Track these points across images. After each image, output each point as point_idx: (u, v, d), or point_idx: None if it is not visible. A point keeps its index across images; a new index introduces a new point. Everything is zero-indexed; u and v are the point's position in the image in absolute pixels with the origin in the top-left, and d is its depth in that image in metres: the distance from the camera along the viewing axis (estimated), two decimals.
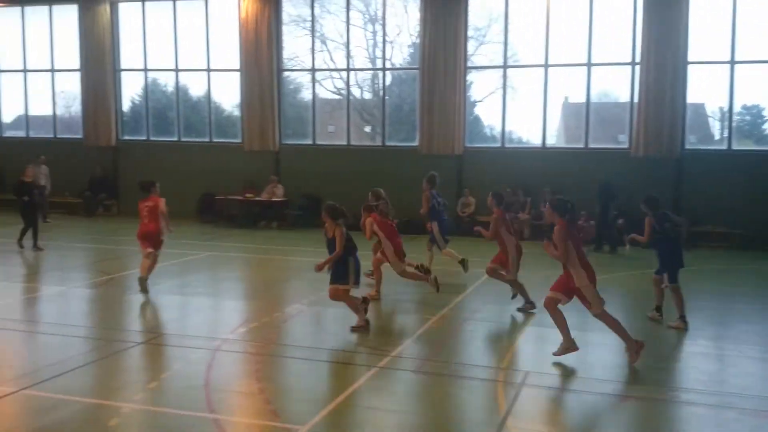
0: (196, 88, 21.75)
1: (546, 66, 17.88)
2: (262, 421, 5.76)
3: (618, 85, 18.44)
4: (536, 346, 8.42)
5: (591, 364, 7.53)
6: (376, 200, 11.12)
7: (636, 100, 17.10)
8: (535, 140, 18.73)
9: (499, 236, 9.90)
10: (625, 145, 17.61)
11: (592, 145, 17.82)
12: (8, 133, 23.02)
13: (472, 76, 19.08)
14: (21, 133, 22.83)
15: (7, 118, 23.42)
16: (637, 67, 16.99)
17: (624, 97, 18.03)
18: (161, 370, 7.09)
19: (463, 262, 11.80)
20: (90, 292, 11.04)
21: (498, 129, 18.97)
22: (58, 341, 8.05)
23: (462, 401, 6.49)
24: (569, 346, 7.39)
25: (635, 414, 6.32)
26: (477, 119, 20.34)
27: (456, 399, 6.56)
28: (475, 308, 10.10)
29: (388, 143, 19.46)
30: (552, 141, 18.89)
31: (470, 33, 18.65)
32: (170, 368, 7.12)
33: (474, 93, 19.60)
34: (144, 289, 10.37)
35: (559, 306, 7.46)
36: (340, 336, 8.61)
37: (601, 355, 7.90)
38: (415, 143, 18.89)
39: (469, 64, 18.66)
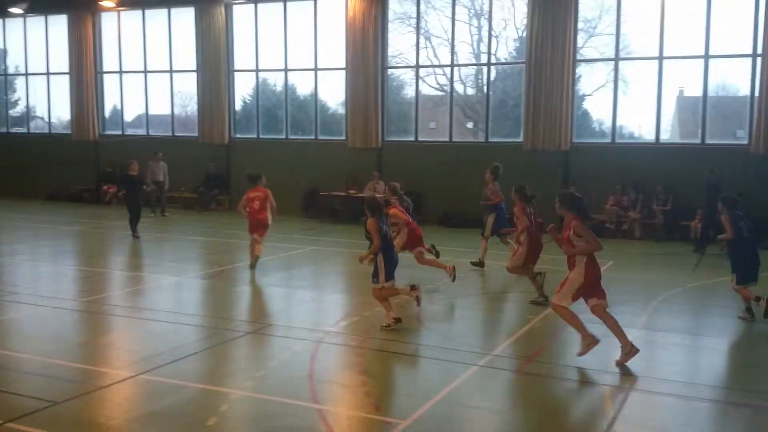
0: (302, 87, 22.30)
1: (660, 58, 17.11)
2: (364, 414, 5.84)
3: (737, 78, 17.41)
4: (645, 350, 8.07)
5: (702, 370, 7.17)
6: (392, 195, 11.79)
7: (756, 93, 16.10)
8: (648, 136, 17.98)
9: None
10: (744, 141, 16.62)
11: (708, 141, 16.92)
12: (129, 131, 24.42)
13: (580, 70, 18.53)
14: (141, 131, 24.18)
15: (129, 117, 24.87)
16: (758, 59, 15.98)
17: (743, 90, 17.01)
18: (268, 359, 7.33)
19: (477, 264, 12.35)
20: (203, 282, 11.56)
21: (607, 124, 18.35)
22: (172, 329, 8.48)
23: (566, 404, 6.33)
24: (629, 350, 7.03)
25: (749, 423, 5.95)
26: (585, 114, 19.75)
27: (560, 401, 6.41)
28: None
29: (491, 139, 19.23)
30: (666, 136, 18.07)
31: (580, 25, 18.13)
32: (276, 358, 7.34)
33: (582, 87, 19.03)
34: (253, 266, 11.80)
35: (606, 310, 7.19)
36: (441, 332, 8.60)
37: (715, 360, 7.50)
38: (519, 139, 18.57)
39: (578, 57, 18.15)
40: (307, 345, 7.73)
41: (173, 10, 22.60)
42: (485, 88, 19.77)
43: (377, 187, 19.67)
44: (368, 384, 6.53)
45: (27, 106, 26.28)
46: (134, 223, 15.70)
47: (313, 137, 21.40)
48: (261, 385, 6.37)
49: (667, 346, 8.06)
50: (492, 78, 19.96)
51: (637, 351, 7.02)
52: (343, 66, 20.28)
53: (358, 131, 20.05)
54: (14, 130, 26.29)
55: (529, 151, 18.15)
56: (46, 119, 26.04)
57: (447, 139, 19.61)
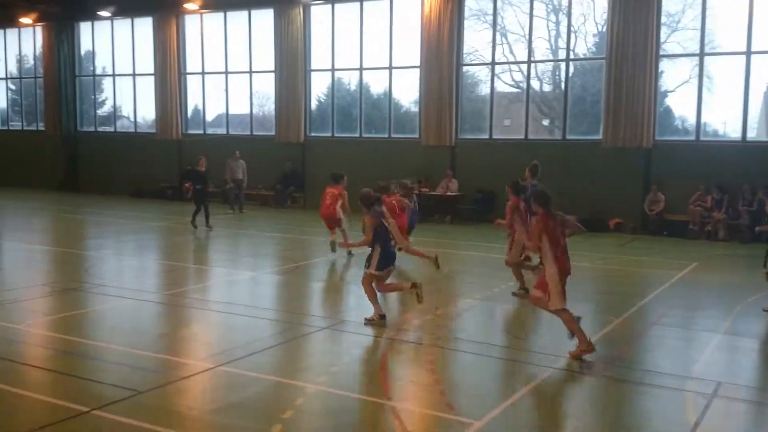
0: (376, 85, 22.43)
1: (748, 53, 16.37)
2: (437, 413, 5.82)
3: None
4: (729, 356, 7.75)
5: None
6: (403, 190, 12.58)
7: None
8: (733, 133, 17.24)
9: (512, 225, 9.88)
10: None
11: None
12: (210, 131, 25.15)
13: (663, 65, 17.92)
14: (221, 131, 24.86)
15: (209, 117, 25.60)
16: None
17: None
18: (341, 355, 7.40)
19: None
20: (278, 278, 11.79)
21: (691, 121, 17.70)
22: (248, 322, 8.68)
23: (646, 410, 6.13)
24: (585, 348, 7.10)
25: None
26: (668, 110, 19.10)
27: (639, 407, 6.21)
28: (662, 312, 9.49)
29: (568, 137, 18.84)
30: (752, 134, 17.28)
31: (662, 19, 17.54)
32: (349, 354, 7.41)
33: (665, 83, 18.40)
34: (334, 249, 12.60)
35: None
36: (515, 333, 8.49)
37: None
38: (599, 136, 18.11)
39: (660, 52, 17.56)
40: (380, 342, 7.77)
41: (253, 12, 23.11)
42: (563, 84, 19.38)
43: (450, 185, 19.60)
44: (441, 382, 6.51)
45: (114, 106, 27.42)
46: (197, 215, 16.57)
47: (386, 135, 21.49)
48: (335, 380, 6.44)
49: (752, 352, 7.70)
50: (570, 74, 19.56)
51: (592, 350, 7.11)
52: (418, 64, 20.27)
53: (431, 129, 20.01)
54: (102, 129, 27.49)
55: (608, 148, 17.70)
56: (132, 119, 27.12)
57: (522, 136, 19.34)
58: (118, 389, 6.07)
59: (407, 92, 21.79)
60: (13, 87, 30.21)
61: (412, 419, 5.73)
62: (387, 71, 21.20)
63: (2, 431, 5.23)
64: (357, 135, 21.96)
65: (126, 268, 12.79)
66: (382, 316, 8.42)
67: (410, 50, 20.54)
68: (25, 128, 29.28)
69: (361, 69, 21.66)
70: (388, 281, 8.82)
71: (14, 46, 29.06)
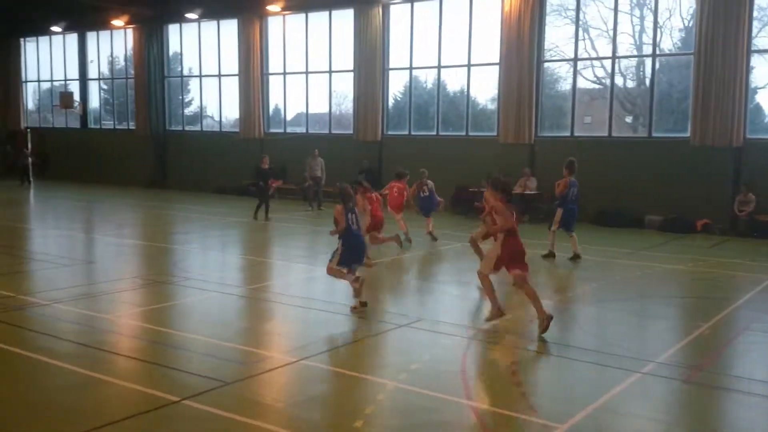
0: (453, 83, 22.34)
1: None
2: (519, 415, 5.75)
3: None
4: None
5: None
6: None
7: None
8: None
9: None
10: None
11: None
12: (289, 129, 25.64)
13: (754, 60, 17.10)
14: (299, 129, 25.31)
15: (289, 116, 26.10)
16: None
17: None
18: (420, 353, 7.41)
19: (547, 256, 12.69)
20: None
21: None
22: (328, 318, 8.82)
23: (736, 418, 5.88)
24: (544, 319, 7.78)
25: None
26: (758, 108, 18.24)
27: (729, 415, 5.97)
28: (754, 317, 9.08)
29: (654, 134, 18.25)
30: None
31: (754, 14, 16.76)
32: (428, 352, 7.41)
33: (756, 79, 17.56)
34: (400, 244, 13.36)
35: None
36: (601, 336, 8.29)
37: None
38: (686, 134, 17.46)
39: (752, 47, 16.77)
40: (459, 341, 7.74)
41: (334, 12, 23.40)
42: (647, 80, 18.79)
43: (528, 183, 19.31)
44: (523, 384, 6.43)
45: (200, 106, 28.34)
46: (259, 209, 17.99)
47: (463, 133, 21.37)
48: (415, 378, 6.46)
49: None
50: (656, 70, 18.93)
51: (550, 317, 7.75)
52: (497, 61, 20.07)
53: (510, 127, 19.77)
54: (188, 128, 28.45)
55: (696, 146, 17.06)
56: (216, 118, 27.95)
57: (605, 134, 18.85)
58: (207, 380, 6.28)
59: (485, 89, 21.61)
60: (105, 87, 31.65)
61: (493, 421, 5.68)
62: (465, 69, 21.08)
63: (99, 419, 5.48)
64: (434, 133, 21.93)
65: (211, 263, 13.20)
66: (364, 304, 8.89)
67: (489, 47, 20.34)
68: (116, 127, 30.63)
69: (439, 67, 21.61)
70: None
71: (106, 48, 30.44)
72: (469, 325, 8.47)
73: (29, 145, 31.44)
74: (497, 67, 20.11)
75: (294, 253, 14.36)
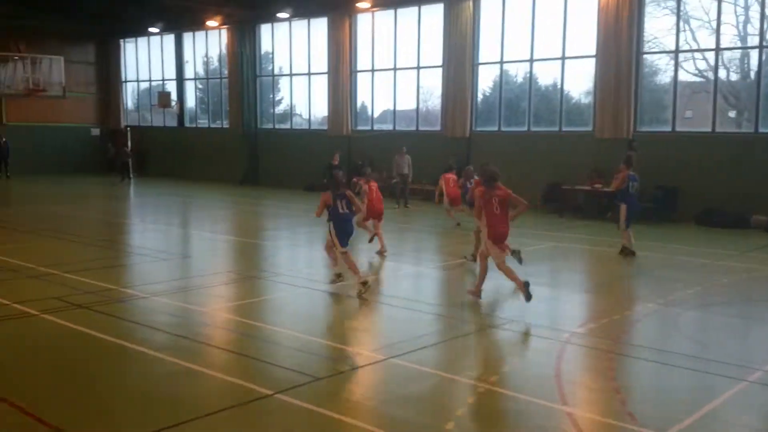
0: (545, 77, 21.82)
1: None
2: (618, 422, 5.48)
3: None
4: None
5: None
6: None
7: None
8: None
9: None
10: None
11: None
12: (377, 127, 25.74)
13: None
14: (385, 126, 25.37)
15: (376, 113, 26.19)
16: None
17: None
18: (512, 355, 7.22)
19: (626, 254, 12.69)
20: (443, 273, 11.78)
21: None
22: (415, 317, 8.74)
23: None
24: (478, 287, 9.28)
25: None
26: None
27: None
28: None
29: (761, 130, 17.21)
30: None
31: None
32: (521, 355, 7.21)
33: None
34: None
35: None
36: (703, 342, 7.86)
37: None
38: None
39: None
40: (552, 344, 7.49)
41: (423, 7, 23.31)
42: (752, 73, 17.75)
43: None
44: (621, 390, 6.14)
45: (290, 104, 28.88)
46: None
47: (556, 129, 20.83)
48: (507, 381, 6.29)
49: None
50: (762, 62, 17.84)
51: (527, 283, 8.73)
52: (593, 53, 19.45)
53: (606, 122, 19.12)
54: (278, 126, 29.05)
55: None
56: (305, 116, 28.41)
57: (709, 129, 17.92)
58: (298, 374, 6.32)
59: (579, 83, 21.04)
60: (200, 87, 32.76)
61: (590, 427, 5.44)
62: (559, 62, 20.54)
63: (198, 410, 5.61)
64: (525, 129, 21.48)
65: (300, 259, 13.39)
66: (365, 283, 9.49)
67: (584, 39, 19.74)
68: (210, 125, 31.65)
69: (531, 60, 21.16)
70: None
71: (201, 48, 31.49)
72: (563, 328, 8.19)
73: (129, 143, 32.97)
74: (593, 59, 19.49)
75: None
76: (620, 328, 8.22)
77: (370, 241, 13.42)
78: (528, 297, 8.61)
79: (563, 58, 20.37)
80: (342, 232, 9.79)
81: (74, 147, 33.39)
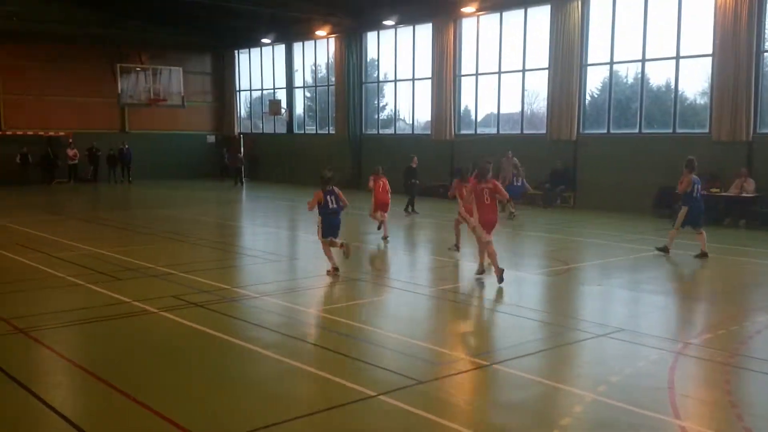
0: (656, 77, 20.96)
1: None
2: None
3: None
4: None
5: None
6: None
7: None
8: None
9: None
10: None
11: None
12: (480, 130, 25.55)
13: None
14: (488, 130, 25.13)
15: (479, 117, 25.99)
16: None
17: None
18: (622, 365, 6.97)
19: (662, 249, 13.04)
20: (547, 279, 11.53)
21: None
22: (519, 323, 8.61)
23: None
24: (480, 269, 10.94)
25: None
26: None
27: None
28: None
29: None
30: None
31: None
32: (631, 365, 6.95)
33: None
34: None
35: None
36: None
37: None
38: None
39: None
40: (665, 355, 7.18)
41: (529, 10, 22.98)
42: None
43: (745, 185, 17.59)
44: (737, 405, 5.81)
45: (394, 110, 29.18)
46: (409, 204, 19.99)
47: (669, 131, 19.96)
48: (616, 391, 6.08)
49: None
50: None
51: (502, 270, 10.23)
52: (709, 52, 18.53)
53: (724, 123, 18.16)
54: (382, 131, 29.41)
55: None
56: (409, 121, 28.61)
57: None
58: (401, 377, 6.38)
59: (694, 83, 20.07)
60: (308, 94, 33.68)
61: None
62: (672, 61, 19.69)
63: (304, 407, 5.79)
64: (636, 131, 20.71)
65: (402, 262, 13.49)
66: (336, 269, 11.02)
67: (700, 37, 18.83)
68: (318, 132, 32.46)
69: (643, 60, 20.40)
70: None
71: (310, 57, 32.38)
72: (676, 338, 7.84)
73: (242, 150, 34.34)
74: (709, 58, 18.55)
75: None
76: (738, 340, 7.78)
77: (379, 228, 15.25)
78: (501, 280, 10.18)
79: (677, 57, 19.51)
80: (328, 225, 11.13)
81: (191, 153, 35.15)
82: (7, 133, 30.76)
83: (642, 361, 7.01)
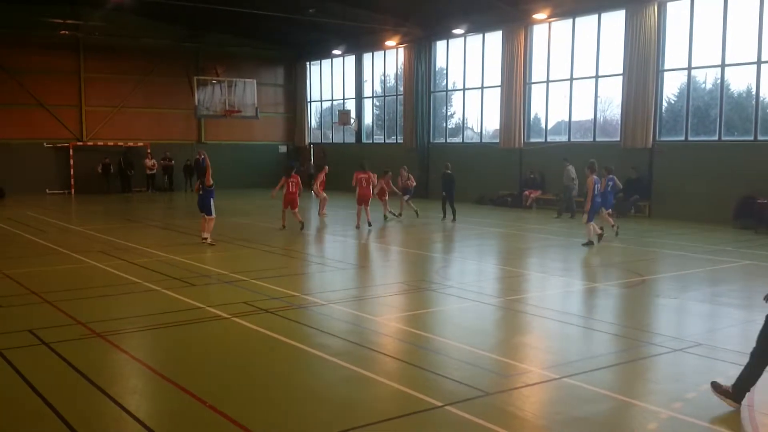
0: (737, 83, 20.17)
1: None
2: None
3: None
4: None
5: None
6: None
7: None
8: None
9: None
10: None
11: None
12: (550, 138, 25.14)
13: None
14: (560, 138, 24.69)
15: (549, 124, 25.59)
16: None
17: None
18: (698, 381, 6.70)
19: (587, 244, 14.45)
20: (621, 291, 11.21)
21: None
22: (590, 335, 8.41)
23: None
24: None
25: None
26: None
27: None
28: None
29: None
30: None
31: None
32: (709, 381, 6.67)
33: None
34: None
35: None
36: None
37: None
38: None
39: None
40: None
41: (603, 15, 22.53)
42: None
43: None
44: None
45: (462, 118, 29.06)
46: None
47: (751, 138, 19.17)
48: (693, 409, 5.85)
49: None
50: None
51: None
52: None
53: None
54: (450, 140, 29.32)
55: None
56: (476, 130, 28.43)
57: None
58: (467, 388, 6.32)
59: None
60: (377, 104, 33.93)
61: None
62: (753, 66, 18.93)
63: (371, 415, 5.80)
64: (715, 138, 19.97)
65: (469, 272, 13.38)
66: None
67: None
68: (386, 141, 32.63)
69: (723, 66, 19.68)
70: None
71: (379, 67, 32.63)
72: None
73: (312, 159, 34.83)
74: None
75: (551, 265, 13.98)
76: None
77: (358, 226, 18.36)
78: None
79: (759, 62, 18.73)
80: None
81: (264, 163, 35.90)
82: (89, 143, 32.18)
83: (720, 378, 6.71)
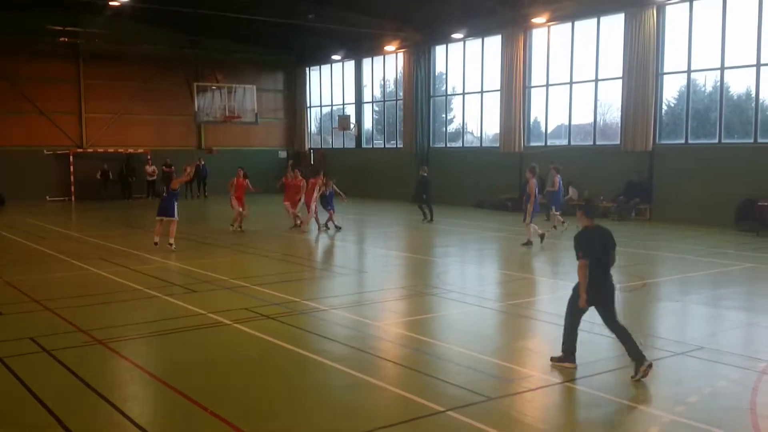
0: (736, 85, 20.20)
1: None
2: None
3: None
4: None
5: None
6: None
7: None
8: None
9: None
10: None
11: None
12: (550, 142, 25.14)
13: None
14: (560, 142, 24.69)
15: (549, 128, 25.59)
16: None
17: None
18: (700, 385, 6.70)
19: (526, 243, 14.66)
20: (622, 295, 11.17)
21: None
22: (590, 339, 8.33)
23: None
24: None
25: None
26: None
27: None
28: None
29: None
30: None
31: None
32: (710, 385, 6.67)
33: None
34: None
35: None
36: None
37: None
38: None
39: None
40: (747, 374, 6.87)
41: (602, 18, 22.57)
42: None
43: None
44: None
45: (462, 123, 29.08)
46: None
47: (751, 140, 19.18)
48: (694, 413, 5.84)
49: None
50: None
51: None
52: None
53: None
54: (450, 145, 29.34)
55: None
56: (476, 134, 28.44)
57: None
58: (469, 393, 6.31)
59: None
60: (376, 109, 33.95)
61: None
62: (753, 69, 18.95)
63: (373, 421, 5.79)
64: (715, 141, 19.99)
65: (469, 276, 13.38)
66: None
67: None
68: (385, 146, 32.65)
69: (722, 68, 19.70)
70: None
71: (379, 72, 32.67)
72: (760, 357, 7.47)
73: (311, 164, 34.82)
74: None
75: (552, 269, 13.98)
76: None
77: (293, 227, 19.27)
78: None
79: (758, 65, 18.75)
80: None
81: (264, 169, 35.85)
82: (89, 150, 32.19)
83: (722, 381, 6.72)
